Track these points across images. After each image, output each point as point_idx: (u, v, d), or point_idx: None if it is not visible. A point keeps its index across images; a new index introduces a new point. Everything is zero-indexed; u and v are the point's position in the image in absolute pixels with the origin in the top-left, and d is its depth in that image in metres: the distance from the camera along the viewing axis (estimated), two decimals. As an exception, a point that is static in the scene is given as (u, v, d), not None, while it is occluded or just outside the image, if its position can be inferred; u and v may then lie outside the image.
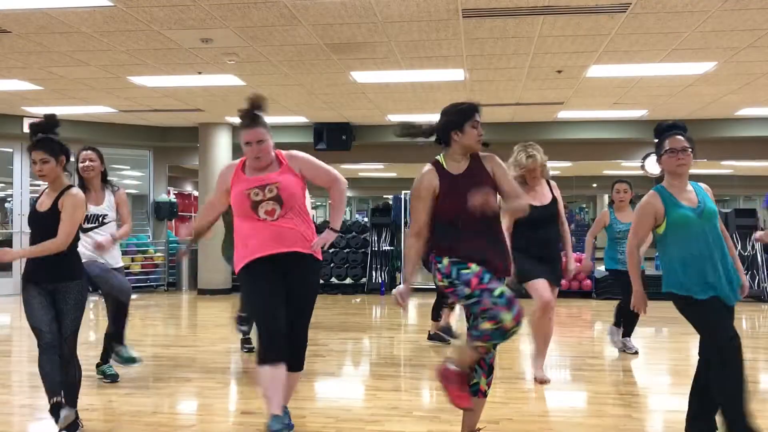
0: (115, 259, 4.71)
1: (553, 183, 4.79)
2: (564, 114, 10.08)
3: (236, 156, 12.26)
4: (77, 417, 3.43)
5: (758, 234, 4.27)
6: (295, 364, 3.49)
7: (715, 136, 10.70)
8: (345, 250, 11.01)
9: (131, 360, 4.73)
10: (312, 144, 10.83)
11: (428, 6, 5.15)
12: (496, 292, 2.88)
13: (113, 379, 4.71)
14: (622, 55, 6.60)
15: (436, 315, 6.13)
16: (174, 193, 13.40)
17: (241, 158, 3.57)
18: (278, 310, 3.33)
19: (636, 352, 5.66)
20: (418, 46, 6.26)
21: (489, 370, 3.06)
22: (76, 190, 3.47)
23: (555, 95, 8.63)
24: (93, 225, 4.51)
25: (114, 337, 4.75)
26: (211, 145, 11.00)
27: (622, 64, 6.97)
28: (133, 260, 11.34)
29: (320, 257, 3.52)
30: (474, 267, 2.94)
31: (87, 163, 4.54)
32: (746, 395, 3.12)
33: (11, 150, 10.74)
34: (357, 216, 28.96)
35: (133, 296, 10.37)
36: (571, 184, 22.38)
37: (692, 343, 3.76)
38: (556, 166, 17.99)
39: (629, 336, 5.74)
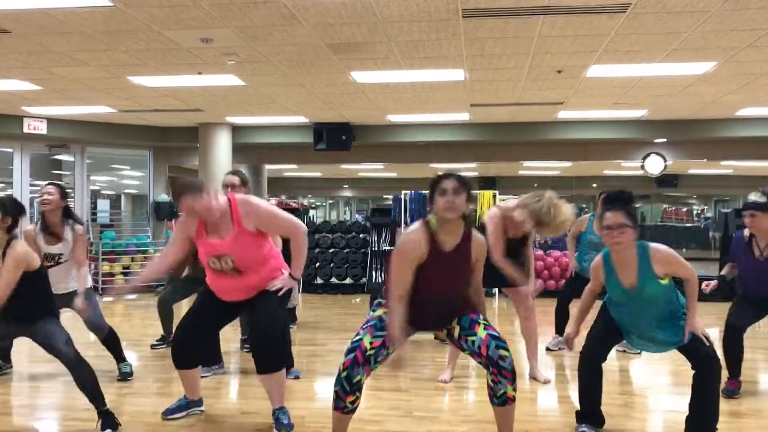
0: (65, 283, 4.59)
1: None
2: (564, 114, 10.08)
3: (236, 156, 12.27)
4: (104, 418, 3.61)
5: (711, 285, 4.49)
6: (262, 366, 3.51)
7: (715, 136, 10.70)
8: (345, 250, 11.01)
9: (127, 375, 4.87)
10: (312, 144, 10.83)
11: (428, 6, 5.15)
12: (355, 337, 3.03)
13: (124, 377, 4.82)
14: (622, 55, 6.60)
15: None
16: (174, 193, 13.40)
17: None
18: (195, 329, 3.67)
19: (639, 352, 5.67)
20: (418, 46, 6.26)
21: (513, 377, 3.00)
22: (20, 245, 3.55)
23: (555, 95, 8.63)
24: (49, 264, 4.45)
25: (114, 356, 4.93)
26: (211, 146, 11.00)
27: (622, 64, 6.96)
28: (133, 260, 11.34)
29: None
30: (379, 311, 3.06)
31: (44, 197, 4.47)
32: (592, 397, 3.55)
33: (11, 150, 10.74)
34: (357, 216, 28.96)
35: (133, 296, 10.39)
36: (571, 184, 22.38)
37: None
38: (556, 166, 18.03)
39: None
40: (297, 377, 4.92)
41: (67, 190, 4.70)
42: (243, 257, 3.44)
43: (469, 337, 2.95)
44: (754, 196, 4.32)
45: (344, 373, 2.96)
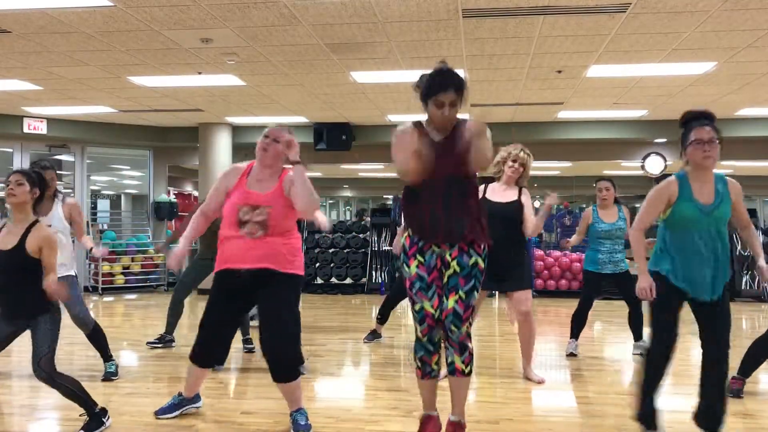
0: (64, 267, 4.43)
1: (525, 190, 4.68)
2: (564, 114, 10.08)
3: (235, 157, 12.31)
4: (94, 418, 3.57)
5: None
6: (278, 376, 3.51)
7: (716, 136, 10.68)
8: (345, 250, 11.02)
9: (111, 375, 4.82)
10: (312, 144, 10.83)
11: (428, 6, 5.15)
12: (416, 307, 3.12)
13: (108, 377, 4.77)
14: (622, 55, 6.60)
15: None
16: (174, 193, 13.41)
17: (248, 163, 3.64)
18: (219, 325, 3.58)
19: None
20: (418, 46, 6.26)
21: (461, 349, 3.10)
22: (45, 227, 3.48)
23: (555, 95, 8.63)
24: None
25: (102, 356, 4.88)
26: (211, 145, 11.01)
27: (622, 64, 6.97)
28: (133, 260, 11.35)
29: (300, 272, 3.59)
30: (411, 268, 3.13)
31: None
32: (658, 384, 3.34)
33: (11, 150, 10.74)
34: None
35: (133, 296, 10.38)
36: (571, 184, 22.36)
37: (692, 343, 3.76)
38: (556, 166, 18.01)
39: (641, 338, 5.69)
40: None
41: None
42: (278, 213, 3.45)
43: (444, 299, 3.11)
44: None
45: (425, 338, 3.12)
